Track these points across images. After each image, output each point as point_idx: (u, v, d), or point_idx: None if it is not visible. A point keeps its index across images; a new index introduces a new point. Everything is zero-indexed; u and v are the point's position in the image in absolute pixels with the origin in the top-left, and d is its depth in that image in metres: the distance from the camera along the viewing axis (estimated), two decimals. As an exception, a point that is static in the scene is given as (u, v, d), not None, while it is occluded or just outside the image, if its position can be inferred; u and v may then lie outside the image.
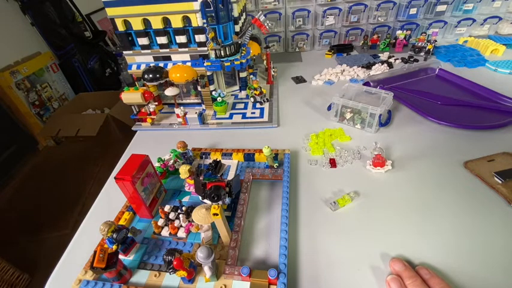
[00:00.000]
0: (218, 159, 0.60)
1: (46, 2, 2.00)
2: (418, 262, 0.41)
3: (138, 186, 0.46)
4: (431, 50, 1.06)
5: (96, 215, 0.56)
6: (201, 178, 0.45)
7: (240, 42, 0.82)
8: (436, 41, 1.06)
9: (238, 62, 0.78)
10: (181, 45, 0.75)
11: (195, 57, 0.77)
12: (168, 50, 0.76)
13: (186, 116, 0.78)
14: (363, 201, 0.52)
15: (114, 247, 0.41)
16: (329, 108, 0.78)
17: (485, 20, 1.18)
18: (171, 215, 0.50)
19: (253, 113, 0.81)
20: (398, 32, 1.16)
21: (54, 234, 1.34)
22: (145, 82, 0.76)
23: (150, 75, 0.74)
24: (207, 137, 0.74)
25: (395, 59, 1.07)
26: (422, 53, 1.08)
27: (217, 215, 0.40)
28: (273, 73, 0.98)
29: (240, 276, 0.39)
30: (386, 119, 0.71)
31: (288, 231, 0.44)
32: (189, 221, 0.49)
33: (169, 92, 0.77)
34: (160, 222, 0.49)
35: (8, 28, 1.87)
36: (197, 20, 0.69)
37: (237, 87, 0.92)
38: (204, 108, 0.84)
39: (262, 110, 0.82)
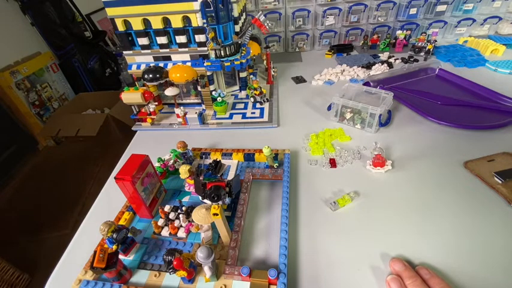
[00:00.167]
0: (218, 159, 0.60)
1: (46, 2, 2.00)
2: (418, 262, 0.41)
3: (138, 186, 0.46)
4: (431, 50, 1.06)
5: (96, 215, 0.56)
6: (201, 178, 0.45)
7: (240, 42, 0.82)
8: (436, 41, 1.06)
9: (238, 62, 0.78)
10: (181, 45, 0.75)
11: (195, 57, 0.77)
12: (168, 50, 0.76)
13: (186, 116, 0.78)
14: (363, 201, 0.52)
15: (114, 247, 0.41)
16: (329, 108, 0.78)
17: (485, 20, 1.18)
18: (171, 215, 0.50)
19: (253, 113, 0.81)
20: (398, 32, 1.16)
21: (54, 234, 1.34)
22: (145, 82, 0.76)
23: (150, 75, 0.74)
24: (207, 137, 0.74)
25: (395, 59, 1.07)
26: (422, 53, 1.08)
27: (217, 215, 0.40)
28: (273, 73, 0.98)
29: (240, 276, 0.39)
30: (386, 119, 0.71)
31: (288, 231, 0.44)
32: (189, 221, 0.49)
33: (169, 92, 0.77)
34: (160, 222, 0.49)
35: (8, 28, 1.87)
36: (197, 20, 0.69)
37: (237, 87, 0.92)
38: (204, 108, 0.84)
39: (262, 110, 0.82)
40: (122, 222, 0.49)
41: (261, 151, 0.61)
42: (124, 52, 0.77)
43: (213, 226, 0.45)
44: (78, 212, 1.45)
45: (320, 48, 1.27)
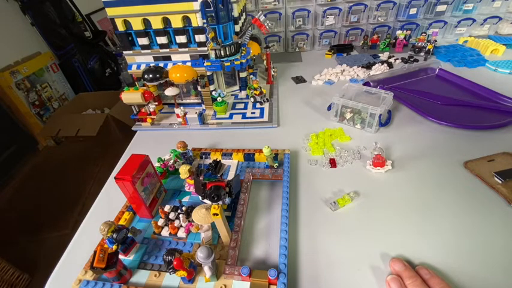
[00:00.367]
0: (218, 159, 0.60)
1: (46, 2, 2.00)
2: (418, 262, 0.41)
3: (138, 186, 0.46)
4: (431, 50, 1.06)
5: (96, 215, 0.56)
6: (201, 178, 0.45)
7: (240, 42, 0.82)
8: (436, 41, 1.06)
9: (238, 62, 0.78)
10: (181, 45, 0.75)
11: (195, 57, 0.77)
12: (168, 50, 0.76)
13: (186, 116, 0.78)
14: (363, 201, 0.52)
15: (114, 247, 0.41)
16: (329, 108, 0.78)
17: (485, 20, 1.18)
18: (171, 215, 0.50)
19: (253, 113, 0.81)
20: (398, 32, 1.16)
21: (54, 234, 1.34)
22: (145, 82, 0.76)
23: (150, 75, 0.74)
24: (207, 137, 0.74)
25: (395, 59, 1.07)
26: (422, 53, 1.08)
27: (217, 215, 0.40)
28: (273, 73, 0.98)
29: (240, 276, 0.39)
30: (386, 119, 0.71)
31: (288, 231, 0.44)
32: (189, 221, 0.49)
33: (169, 92, 0.77)
34: (160, 222, 0.49)
35: (8, 28, 1.87)
36: (197, 20, 0.69)
37: (237, 87, 0.92)
38: (204, 108, 0.84)
39: (262, 110, 0.82)
40: (122, 222, 0.49)
41: (261, 151, 0.61)
42: (124, 52, 0.77)
43: (213, 226, 0.45)
44: (78, 212, 1.45)
45: (320, 48, 1.27)
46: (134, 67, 0.78)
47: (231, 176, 0.59)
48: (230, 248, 0.43)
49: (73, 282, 0.41)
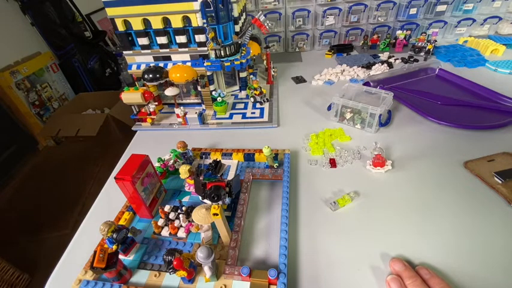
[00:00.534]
0: (218, 159, 0.60)
1: (46, 2, 2.00)
2: (418, 262, 0.41)
3: (138, 186, 0.46)
4: (431, 50, 1.06)
5: (96, 215, 0.56)
6: (201, 178, 0.45)
7: (240, 42, 0.82)
8: (436, 41, 1.06)
9: (238, 62, 0.78)
10: (181, 45, 0.75)
11: (195, 57, 0.77)
12: (168, 50, 0.76)
13: (186, 116, 0.78)
14: (363, 201, 0.52)
15: (114, 247, 0.41)
16: (329, 108, 0.78)
17: (485, 20, 1.18)
18: (171, 215, 0.50)
19: (253, 113, 0.81)
20: (398, 32, 1.16)
21: (54, 234, 1.34)
22: (145, 82, 0.76)
23: (150, 75, 0.74)
24: (207, 137, 0.74)
25: (395, 59, 1.07)
26: (422, 53, 1.08)
27: (217, 215, 0.40)
28: (273, 73, 0.98)
29: (240, 276, 0.39)
30: (386, 119, 0.71)
31: (288, 231, 0.44)
32: (189, 221, 0.49)
33: (169, 92, 0.77)
34: (160, 222, 0.49)
35: (8, 28, 1.87)
36: (197, 20, 0.69)
37: (237, 87, 0.92)
38: (204, 108, 0.84)
39: (262, 110, 0.82)
40: (122, 222, 0.49)
41: (261, 151, 0.61)
42: (124, 52, 0.77)
43: (213, 226, 0.45)
44: (78, 212, 1.45)
45: (320, 48, 1.27)
46: (134, 67, 0.78)
47: (231, 176, 0.59)
48: (230, 248, 0.43)
49: (73, 282, 0.41)
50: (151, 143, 0.75)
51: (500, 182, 0.52)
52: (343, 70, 1.03)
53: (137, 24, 0.72)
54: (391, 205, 0.50)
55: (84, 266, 0.43)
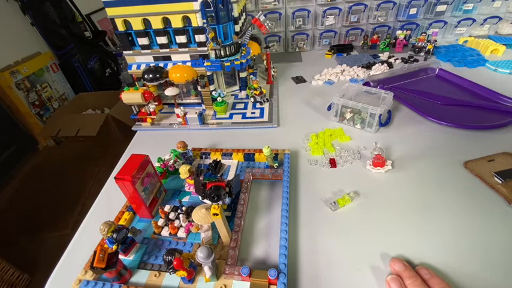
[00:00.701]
0: (218, 159, 0.60)
1: (46, 2, 2.00)
2: (418, 262, 0.41)
3: (138, 186, 0.46)
4: (431, 50, 1.06)
5: (96, 215, 0.56)
6: (201, 178, 0.45)
7: (240, 42, 0.82)
8: (436, 41, 1.06)
9: (238, 62, 0.78)
10: (181, 45, 0.75)
11: (195, 57, 0.77)
12: (168, 50, 0.76)
13: (186, 116, 0.78)
14: (363, 201, 0.52)
15: (114, 247, 0.41)
16: (329, 108, 0.78)
17: (485, 20, 1.18)
18: (171, 215, 0.50)
19: (253, 113, 0.81)
20: (398, 32, 1.16)
21: (54, 234, 1.34)
22: (145, 82, 0.76)
23: (150, 75, 0.74)
24: (207, 137, 0.74)
25: (395, 59, 1.07)
26: (422, 53, 1.08)
27: (217, 215, 0.40)
28: (273, 73, 0.98)
29: (240, 276, 0.39)
30: (386, 119, 0.71)
31: (288, 231, 0.44)
32: (189, 221, 0.49)
33: (169, 92, 0.77)
34: (160, 222, 0.49)
35: (8, 28, 1.87)
36: (197, 20, 0.69)
37: (237, 87, 0.92)
38: (204, 108, 0.84)
39: (262, 110, 0.82)
40: (122, 222, 0.49)
41: (261, 151, 0.61)
42: (124, 52, 0.77)
43: (213, 226, 0.45)
44: (78, 212, 1.45)
45: (320, 48, 1.27)
46: (134, 67, 0.78)
47: (231, 176, 0.59)
48: (230, 248, 0.43)
49: (73, 282, 0.41)
50: (151, 143, 0.75)
51: (500, 182, 0.52)
52: (343, 70, 1.03)
53: (137, 24, 0.72)
54: (391, 205, 0.50)
55: (84, 266, 0.43)
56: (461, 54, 1.05)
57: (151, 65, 0.76)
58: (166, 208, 0.51)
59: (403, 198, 0.51)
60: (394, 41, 1.18)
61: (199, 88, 0.81)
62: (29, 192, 1.65)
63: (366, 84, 0.90)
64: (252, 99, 0.86)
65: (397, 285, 0.37)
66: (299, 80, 1.01)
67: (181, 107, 0.78)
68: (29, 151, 1.95)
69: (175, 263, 0.36)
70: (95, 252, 0.39)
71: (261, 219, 0.50)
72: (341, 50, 1.19)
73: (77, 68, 2.23)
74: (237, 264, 0.41)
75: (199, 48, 0.75)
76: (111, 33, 2.63)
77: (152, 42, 0.76)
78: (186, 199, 0.55)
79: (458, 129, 0.67)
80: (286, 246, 0.42)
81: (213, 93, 0.81)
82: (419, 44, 1.08)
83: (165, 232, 0.48)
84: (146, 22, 0.72)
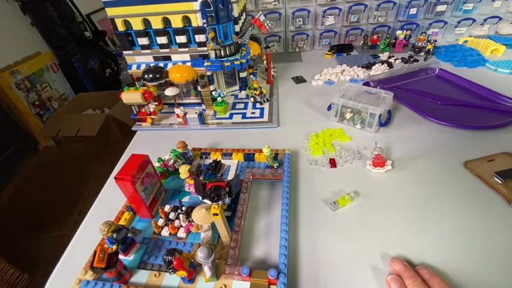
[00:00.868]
0: (218, 159, 0.60)
1: (46, 2, 2.00)
2: (418, 262, 0.41)
3: (138, 186, 0.46)
4: (431, 50, 1.06)
5: (96, 215, 0.56)
6: (201, 178, 0.45)
7: (240, 42, 0.82)
8: (436, 41, 1.06)
9: (238, 62, 0.78)
10: (181, 45, 0.75)
11: (195, 57, 0.77)
12: (168, 50, 0.76)
13: (186, 116, 0.78)
14: (363, 201, 0.52)
15: (114, 247, 0.41)
16: (329, 108, 0.78)
17: (485, 20, 1.18)
18: (171, 215, 0.50)
19: (253, 113, 0.81)
20: (398, 32, 1.16)
21: (54, 234, 1.34)
22: (145, 82, 0.76)
23: (150, 75, 0.74)
24: (207, 137, 0.74)
25: (395, 59, 1.07)
26: (422, 53, 1.08)
27: (217, 215, 0.40)
28: (273, 73, 0.98)
29: (240, 276, 0.39)
30: (386, 119, 0.71)
31: (288, 231, 0.44)
32: (189, 221, 0.49)
33: (169, 92, 0.77)
34: (160, 222, 0.49)
35: (8, 28, 1.87)
36: (197, 20, 0.69)
37: (237, 87, 0.92)
38: (204, 108, 0.84)
39: (262, 110, 0.82)
40: (122, 222, 0.49)
41: (261, 151, 0.61)
42: (124, 52, 0.77)
43: (213, 226, 0.45)
44: (78, 212, 1.45)
45: (320, 48, 1.27)
46: (134, 67, 0.78)
47: (231, 176, 0.59)
48: (230, 248, 0.43)
49: (73, 282, 0.41)
50: (151, 143, 0.75)
51: (500, 182, 0.52)
52: (343, 70, 1.03)
53: (137, 24, 0.72)
54: (391, 205, 0.50)
55: (84, 266, 0.43)
56: (461, 54, 1.05)
57: (151, 65, 0.76)
58: (166, 208, 0.51)
59: (403, 198, 0.51)
60: (394, 41, 1.18)
61: (199, 88, 0.81)
62: (29, 192, 1.65)
63: (366, 84, 0.90)
64: (252, 99, 0.86)
65: (397, 285, 0.37)
66: (299, 80, 1.01)
67: (181, 107, 0.78)
68: (29, 151, 1.96)
69: (175, 263, 0.36)
70: (95, 252, 0.39)
71: (261, 219, 0.50)
72: (341, 50, 1.19)
73: (77, 68, 2.23)
74: (237, 264, 0.41)
75: (199, 48, 0.75)
76: (111, 33, 2.64)
77: (152, 42, 0.76)
78: (186, 199, 0.55)
79: (458, 129, 0.67)
80: (286, 246, 0.42)
81: (213, 93, 0.81)
82: (419, 44, 1.08)
83: (165, 232, 0.48)
84: (146, 22, 0.72)
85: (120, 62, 2.52)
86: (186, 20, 0.71)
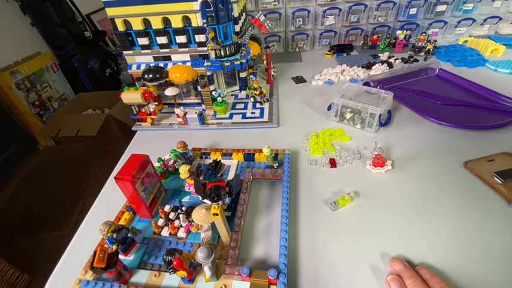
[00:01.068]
0: (218, 159, 0.60)
1: (46, 2, 2.00)
2: (418, 262, 0.41)
3: (138, 186, 0.46)
4: (431, 50, 1.06)
5: (96, 215, 0.56)
6: (201, 178, 0.45)
7: (240, 42, 0.82)
8: (436, 41, 1.06)
9: (238, 62, 0.78)
10: (181, 45, 0.75)
11: (195, 57, 0.77)
12: (168, 50, 0.76)
13: (186, 116, 0.78)
14: (362, 201, 0.52)
15: (114, 247, 0.41)
16: (329, 108, 0.78)
17: (485, 20, 1.18)
18: (171, 215, 0.50)
19: (253, 113, 0.81)
20: (398, 32, 1.16)
21: (54, 234, 1.34)
22: (145, 82, 0.76)
23: (150, 75, 0.74)
24: (207, 137, 0.74)
25: (395, 59, 1.07)
26: (422, 53, 1.08)
27: (217, 215, 0.40)
28: (273, 73, 0.98)
29: (240, 276, 0.39)
30: (387, 119, 0.71)
31: (288, 231, 0.44)
32: (189, 221, 0.49)
33: (169, 92, 0.77)
34: (160, 222, 0.49)
35: (8, 28, 1.87)
36: (197, 20, 0.69)
37: (237, 87, 0.92)
38: (204, 108, 0.84)
39: (262, 110, 0.82)
40: (122, 222, 0.49)
41: (261, 151, 0.61)
42: (124, 52, 0.77)
43: (213, 226, 0.45)
44: (78, 212, 1.45)
45: (320, 48, 1.27)
46: (134, 67, 0.78)
47: (231, 176, 0.59)
48: (230, 248, 0.43)
49: (73, 282, 0.41)
50: (151, 143, 0.75)
51: (500, 182, 0.52)
52: (343, 70, 1.03)
53: (137, 24, 0.72)
54: (391, 205, 0.50)
55: (84, 266, 0.43)
56: (461, 54, 1.05)
57: (151, 65, 0.76)
58: (166, 208, 0.51)
59: (403, 198, 0.51)
60: (394, 41, 1.18)
61: (199, 88, 0.81)
62: (29, 192, 1.65)
63: (366, 84, 0.90)
64: (252, 99, 0.86)
65: (397, 285, 0.37)
66: (299, 80, 1.01)
67: (181, 107, 0.78)
68: (29, 151, 1.96)
69: (175, 263, 0.36)
70: (95, 252, 0.39)
71: (261, 219, 0.50)
72: (341, 50, 1.19)
73: (77, 68, 2.23)
74: (237, 264, 0.41)
75: (199, 48, 0.75)
76: (111, 33, 2.64)
77: (152, 42, 0.77)
78: (186, 199, 0.55)
79: (458, 129, 0.67)
80: (286, 246, 0.42)
81: (213, 93, 0.81)
82: (419, 44, 1.08)
83: (165, 232, 0.48)
84: (146, 22, 0.72)
85: (120, 62, 2.52)
86: (186, 20, 0.71)
